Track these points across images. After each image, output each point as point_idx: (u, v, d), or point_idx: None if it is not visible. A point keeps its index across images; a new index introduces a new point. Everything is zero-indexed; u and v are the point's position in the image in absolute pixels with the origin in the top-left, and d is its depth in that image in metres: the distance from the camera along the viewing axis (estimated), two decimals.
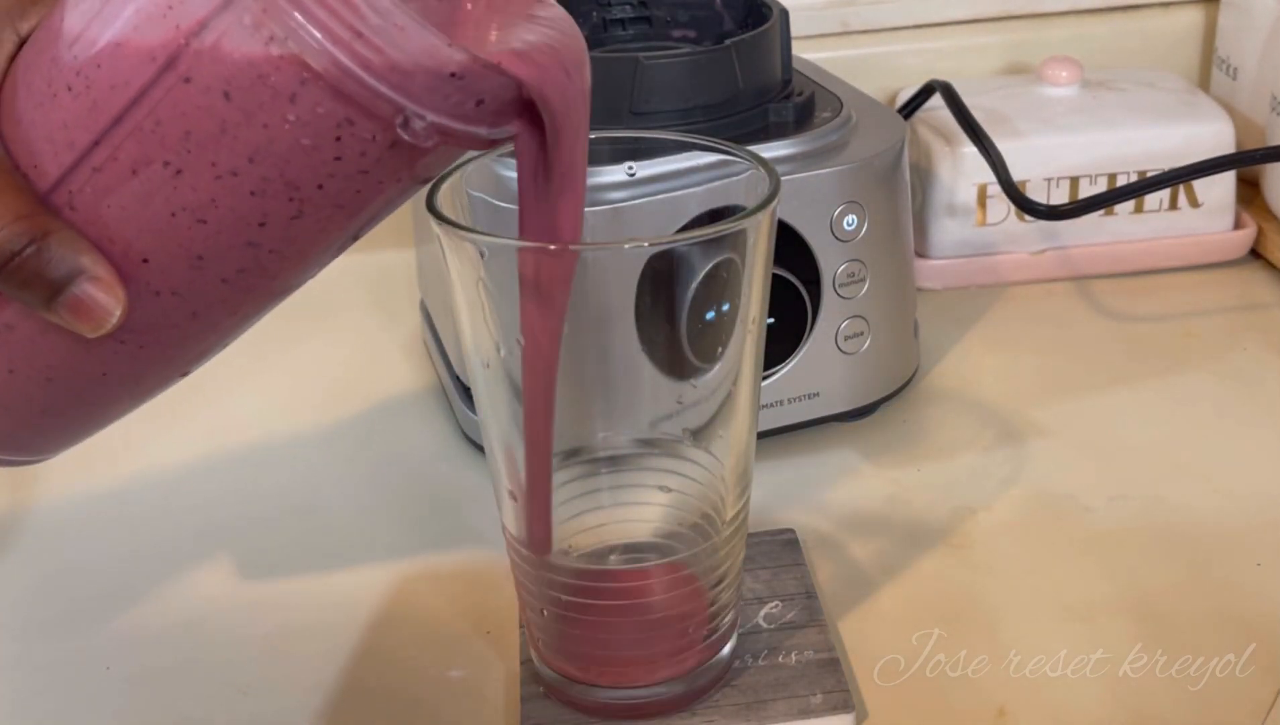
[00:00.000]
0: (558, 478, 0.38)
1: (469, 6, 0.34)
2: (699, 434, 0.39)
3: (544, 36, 0.32)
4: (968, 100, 0.64)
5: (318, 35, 0.28)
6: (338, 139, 0.29)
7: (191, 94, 0.29)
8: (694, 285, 0.37)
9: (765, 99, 0.53)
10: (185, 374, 0.37)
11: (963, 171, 0.65)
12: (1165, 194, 0.66)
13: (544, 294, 0.34)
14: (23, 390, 0.35)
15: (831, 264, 0.52)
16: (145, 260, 0.32)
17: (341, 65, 0.28)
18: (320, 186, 0.30)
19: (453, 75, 0.29)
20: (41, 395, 0.35)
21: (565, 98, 0.31)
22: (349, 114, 0.29)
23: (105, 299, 0.32)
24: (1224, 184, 0.66)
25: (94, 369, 0.34)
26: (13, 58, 0.32)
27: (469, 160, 0.39)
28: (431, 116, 0.30)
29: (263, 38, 0.28)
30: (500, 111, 0.31)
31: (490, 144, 0.31)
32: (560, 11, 0.34)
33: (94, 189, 0.31)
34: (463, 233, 0.35)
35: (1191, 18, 0.77)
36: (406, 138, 0.30)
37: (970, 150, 0.64)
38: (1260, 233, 0.68)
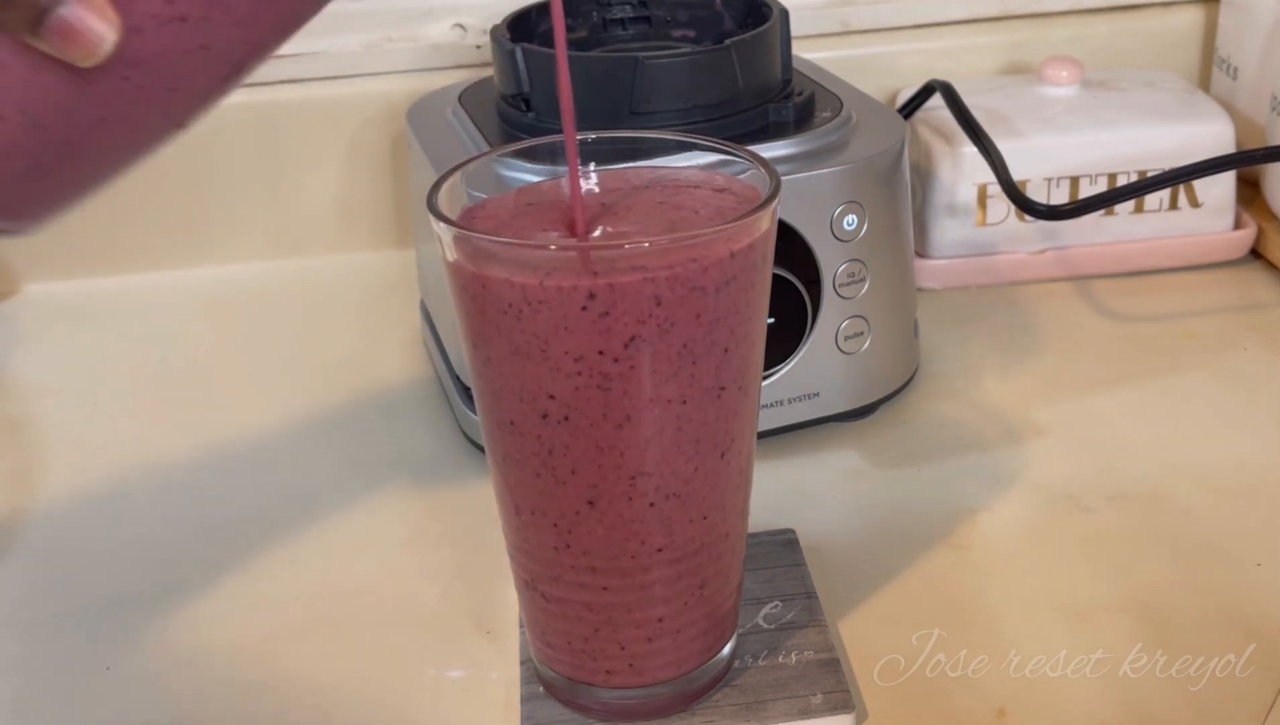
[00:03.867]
0: None
1: None
2: None
3: None
4: (968, 100, 0.64)
5: None
6: None
7: None
8: None
9: (765, 99, 0.53)
10: (182, 126, 0.35)
11: (963, 171, 0.65)
12: (1165, 194, 0.66)
13: None
14: (12, 138, 0.33)
15: (831, 264, 0.52)
16: None
17: None
18: None
19: None
20: (33, 145, 0.33)
21: None
22: None
23: (96, 23, 0.30)
24: (1224, 184, 0.66)
25: (90, 113, 0.33)
26: None
27: (470, 161, 0.39)
28: None
29: None
30: None
31: None
32: None
33: None
34: (463, 232, 0.35)
35: (1191, 17, 0.77)
36: None
37: (970, 150, 0.64)
38: (1260, 233, 0.68)
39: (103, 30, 0.30)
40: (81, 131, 0.33)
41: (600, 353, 0.34)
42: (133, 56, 0.31)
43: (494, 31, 0.55)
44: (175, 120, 0.34)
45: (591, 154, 0.40)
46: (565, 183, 0.39)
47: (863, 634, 0.44)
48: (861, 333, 0.53)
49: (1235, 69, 0.72)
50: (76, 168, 0.35)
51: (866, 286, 0.53)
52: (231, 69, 0.34)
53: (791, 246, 0.51)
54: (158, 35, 0.31)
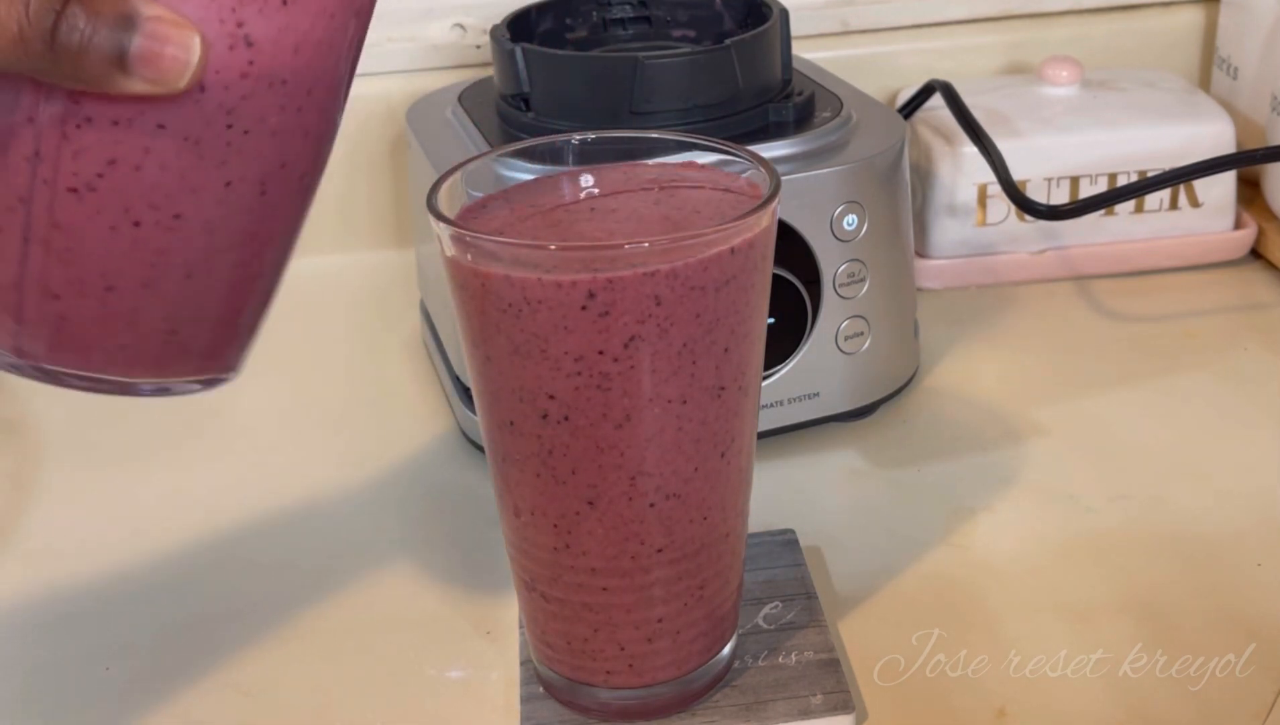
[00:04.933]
0: None
1: None
2: None
3: None
4: (968, 100, 0.64)
5: None
6: None
7: None
8: None
9: (765, 99, 0.53)
10: (306, 175, 0.34)
11: (963, 171, 0.65)
12: (1165, 194, 0.66)
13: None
14: (153, 241, 0.32)
15: (831, 264, 0.52)
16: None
17: None
18: None
19: None
20: (176, 242, 0.32)
21: None
22: None
23: (174, 32, 0.29)
24: (1224, 184, 0.66)
25: (214, 178, 0.32)
26: None
27: (470, 161, 0.39)
28: None
29: None
30: None
31: None
32: None
33: None
34: (462, 232, 0.35)
35: (1191, 17, 0.77)
36: None
37: (970, 150, 0.64)
38: (1260, 233, 0.68)
39: (184, 38, 0.29)
40: (214, 204, 0.32)
41: (600, 352, 0.34)
42: (227, 102, 0.31)
43: (494, 31, 0.55)
44: (296, 169, 0.34)
45: (591, 154, 0.40)
46: (566, 181, 0.39)
47: (863, 634, 0.44)
48: (861, 333, 0.53)
49: (1235, 69, 0.72)
50: (231, 257, 0.34)
51: (866, 286, 0.53)
52: (322, 100, 0.34)
53: (791, 246, 0.51)
54: (240, 83, 0.31)
